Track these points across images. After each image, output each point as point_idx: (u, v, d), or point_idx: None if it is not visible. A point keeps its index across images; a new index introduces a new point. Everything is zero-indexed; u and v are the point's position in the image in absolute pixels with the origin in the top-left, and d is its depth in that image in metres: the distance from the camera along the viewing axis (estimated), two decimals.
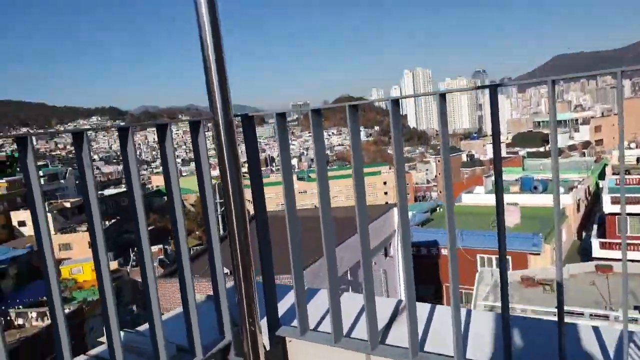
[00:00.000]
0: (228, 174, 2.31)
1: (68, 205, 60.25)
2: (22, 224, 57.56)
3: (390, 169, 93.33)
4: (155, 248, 53.12)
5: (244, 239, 2.26)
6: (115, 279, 38.84)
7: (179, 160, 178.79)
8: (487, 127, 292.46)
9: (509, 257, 27.92)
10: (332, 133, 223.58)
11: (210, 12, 2.05)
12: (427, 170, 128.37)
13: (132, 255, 49.46)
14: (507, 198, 33.05)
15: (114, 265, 45.51)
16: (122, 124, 2.07)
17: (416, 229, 31.57)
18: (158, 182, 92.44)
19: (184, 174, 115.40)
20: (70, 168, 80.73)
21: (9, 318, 21.48)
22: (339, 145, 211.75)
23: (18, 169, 68.77)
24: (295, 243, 2.37)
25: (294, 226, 2.36)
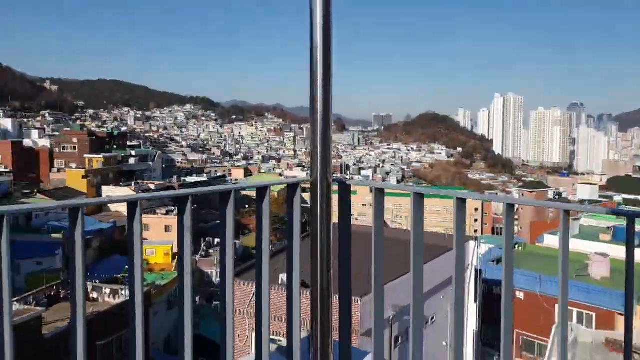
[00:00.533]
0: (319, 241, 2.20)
1: (152, 187, 64.14)
2: None
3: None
4: None
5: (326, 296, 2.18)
6: None
7: (258, 156, 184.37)
8: (579, 165, 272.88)
9: (593, 314, 25.67)
10: (412, 149, 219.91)
11: (325, 35, 2.00)
12: None
13: (202, 245, 51.30)
14: (596, 247, 30.42)
15: None
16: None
17: (491, 266, 29.89)
18: (237, 175, 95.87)
19: (262, 171, 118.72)
20: (159, 152, 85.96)
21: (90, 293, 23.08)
22: (417, 162, 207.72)
23: (115, 146, 74.49)
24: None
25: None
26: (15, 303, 21.15)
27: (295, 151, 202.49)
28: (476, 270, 24.83)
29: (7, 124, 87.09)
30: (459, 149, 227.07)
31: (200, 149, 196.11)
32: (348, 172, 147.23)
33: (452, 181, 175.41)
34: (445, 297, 19.20)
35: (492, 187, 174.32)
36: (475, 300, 25.14)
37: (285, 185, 2.41)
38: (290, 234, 2.36)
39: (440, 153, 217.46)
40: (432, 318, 19.37)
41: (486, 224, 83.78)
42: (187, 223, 1.83)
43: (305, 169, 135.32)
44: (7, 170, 60.83)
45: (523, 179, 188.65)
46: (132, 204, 1.70)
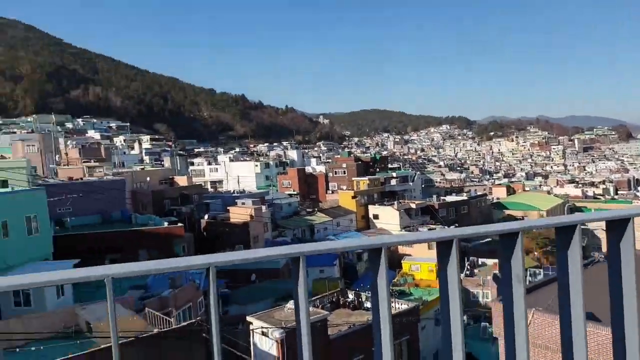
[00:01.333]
0: None
1: (413, 205, 66.10)
2: (376, 216, 66.88)
3: None
4: (491, 262, 52.14)
5: None
6: None
7: (521, 173, 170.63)
8: None
9: None
10: None
11: None
12: None
13: (466, 264, 49.72)
14: None
15: None
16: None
17: None
18: (499, 193, 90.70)
19: (526, 189, 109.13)
20: (418, 172, 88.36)
21: (360, 299, 24.76)
22: None
23: (378, 169, 79.95)
24: None
25: None
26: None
27: (565, 166, 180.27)
28: None
29: (294, 154, 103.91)
30: None
31: (458, 168, 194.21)
32: (638, 188, 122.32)
33: None
34: None
35: None
36: None
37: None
38: None
39: None
40: None
41: None
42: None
43: (579, 185, 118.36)
44: (295, 192, 72.08)
45: None
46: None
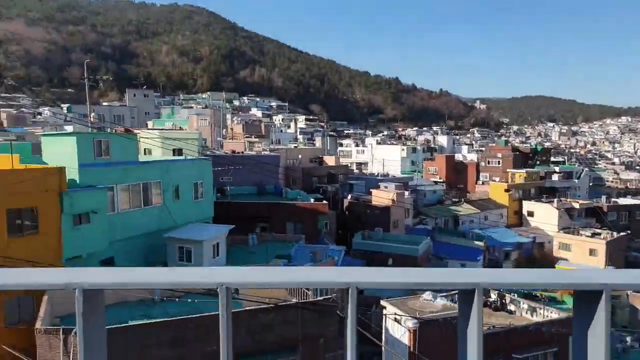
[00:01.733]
0: None
1: (576, 205, 59.06)
2: (530, 213, 61.29)
3: None
4: None
5: None
6: None
7: None
8: None
9: None
10: None
11: None
12: None
13: None
14: None
15: None
16: None
17: None
18: None
19: None
20: (586, 169, 78.50)
21: (504, 300, 23.03)
22: None
23: (538, 162, 73.00)
24: None
25: None
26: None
27: None
28: None
29: (444, 140, 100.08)
30: None
31: (637, 167, 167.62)
32: None
33: None
34: None
35: None
36: None
37: None
38: None
39: None
40: None
41: None
42: None
43: None
44: (441, 180, 69.60)
45: None
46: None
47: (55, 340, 12.85)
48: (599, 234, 52.13)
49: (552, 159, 78.59)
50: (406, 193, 48.01)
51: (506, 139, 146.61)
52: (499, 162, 70.12)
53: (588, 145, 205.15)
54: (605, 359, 1.00)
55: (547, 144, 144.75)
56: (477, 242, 46.40)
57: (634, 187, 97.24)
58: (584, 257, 49.25)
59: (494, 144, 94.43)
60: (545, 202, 60.08)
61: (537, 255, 52.24)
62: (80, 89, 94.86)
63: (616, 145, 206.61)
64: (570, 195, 64.30)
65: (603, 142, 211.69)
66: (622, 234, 52.27)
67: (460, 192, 66.68)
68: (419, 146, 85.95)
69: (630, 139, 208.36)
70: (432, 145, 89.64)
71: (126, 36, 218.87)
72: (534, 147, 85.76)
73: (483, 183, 70.12)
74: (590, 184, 74.67)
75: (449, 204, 60.21)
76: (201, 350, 13.87)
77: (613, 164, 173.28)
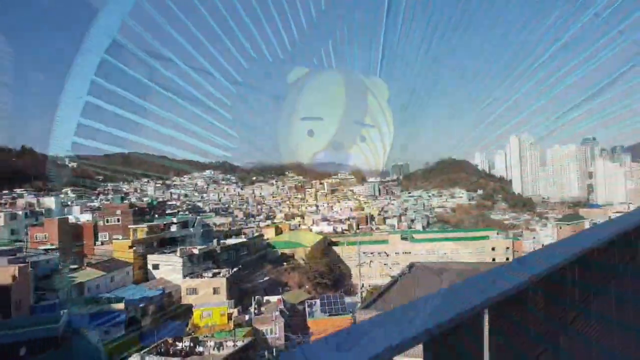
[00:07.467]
0: None
1: (196, 251, 64.80)
2: (155, 266, 62.77)
3: (497, 234, 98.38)
4: (274, 298, 54.86)
5: None
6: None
7: (281, 214, 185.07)
8: (598, 197, 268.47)
9: None
10: (433, 194, 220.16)
11: None
12: (533, 238, 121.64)
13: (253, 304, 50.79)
14: None
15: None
16: None
17: None
18: (269, 233, 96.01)
19: (291, 229, 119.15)
20: (198, 217, 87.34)
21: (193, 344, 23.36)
22: (439, 207, 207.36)
23: (156, 215, 76.13)
24: None
25: None
26: None
27: (317, 206, 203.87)
28: None
29: (51, 202, 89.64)
30: (480, 191, 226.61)
31: (223, 212, 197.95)
32: (373, 222, 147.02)
33: (477, 222, 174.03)
34: None
35: (517, 225, 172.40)
36: None
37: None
38: None
39: (462, 197, 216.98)
40: None
41: None
42: None
43: (330, 222, 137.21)
44: (53, 247, 62.16)
45: (545, 215, 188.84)
46: None
47: None
48: (219, 272, 59.19)
49: (168, 211, 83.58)
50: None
51: (113, 196, 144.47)
52: (118, 219, 69.01)
53: (181, 197, 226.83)
54: None
55: (145, 199, 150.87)
56: (117, 305, 44.23)
57: (227, 229, 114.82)
58: (210, 296, 54.49)
59: (108, 202, 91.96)
60: (169, 253, 63.16)
61: (167, 303, 54.14)
62: None
63: (204, 195, 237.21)
64: (189, 242, 70.05)
65: (194, 193, 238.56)
66: (235, 269, 61.06)
67: (79, 256, 61.49)
68: (19, 211, 73.81)
69: (215, 188, 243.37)
70: (37, 209, 78.76)
71: None
72: (150, 202, 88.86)
73: (102, 243, 67.20)
74: (202, 230, 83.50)
75: (66, 272, 54.56)
76: None
77: (205, 212, 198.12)
